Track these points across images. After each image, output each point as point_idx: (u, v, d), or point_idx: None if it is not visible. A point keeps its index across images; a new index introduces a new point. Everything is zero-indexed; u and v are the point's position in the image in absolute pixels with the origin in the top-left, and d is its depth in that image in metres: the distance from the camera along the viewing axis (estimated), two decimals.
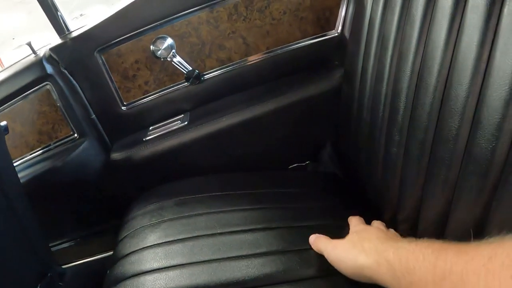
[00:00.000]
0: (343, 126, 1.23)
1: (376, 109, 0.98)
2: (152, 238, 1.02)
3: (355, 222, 0.94)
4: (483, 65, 0.64)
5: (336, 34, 1.34)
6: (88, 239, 1.66)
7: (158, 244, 1.00)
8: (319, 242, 0.87)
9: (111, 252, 1.61)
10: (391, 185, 0.95)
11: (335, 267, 0.79)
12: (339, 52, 1.34)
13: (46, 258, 1.27)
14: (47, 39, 1.40)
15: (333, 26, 1.34)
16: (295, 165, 1.47)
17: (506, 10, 0.60)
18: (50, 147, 1.44)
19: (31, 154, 1.45)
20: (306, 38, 1.35)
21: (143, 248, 1.00)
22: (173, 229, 1.04)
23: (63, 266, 1.57)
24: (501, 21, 0.61)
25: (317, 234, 0.90)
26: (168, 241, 1.00)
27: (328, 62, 1.38)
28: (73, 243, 1.66)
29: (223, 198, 1.14)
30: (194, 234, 1.00)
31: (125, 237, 1.10)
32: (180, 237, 1.00)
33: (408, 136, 0.85)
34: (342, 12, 1.31)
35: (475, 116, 0.66)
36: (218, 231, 1.00)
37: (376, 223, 0.93)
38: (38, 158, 1.44)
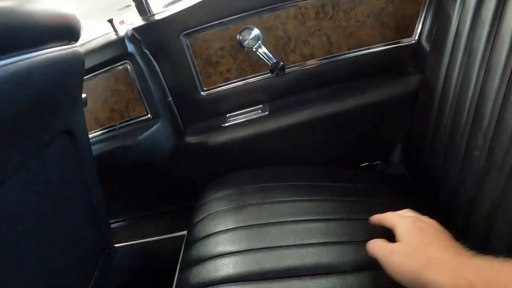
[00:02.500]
0: (418, 129, 1.25)
1: (459, 115, 1.00)
2: (235, 221, 1.04)
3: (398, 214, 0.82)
4: None
5: (413, 41, 1.36)
6: (142, 220, 1.67)
7: (243, 227, 1.02)
8: (374, 247, 0.75)
9: (163, 236, 1.63)
10: (467, 187, 0.96)
11: (393, 277, 0.66)
12: (415, 59, 1.36)
13: (107, 235, 1.29)
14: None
15: (411, 33, 1.36)
16: (366, 164, 1.49)
17: None
18: (121, 125, 1.46)
19: (101, 130, 1.48)
20: (385, 42, 1.38)
21: (226, 230, 1.02)
22: (258, 213, 1.06)
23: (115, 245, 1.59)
24: None
25: (375, 240, 0.77)
26: (254, 225, 1.01)
27: (403, 67, 1.40)
28: (125, 223, 1.68)
29: (305, 188, 1.16)
30: (281, 220, 1.02)
31: (203, 218, 1.11)
32: (267, 222, 1.02)
33: (493, 141, 0.87)
34: (421, 21, 1.33)
35: None
36: (304, 218, 1.02)
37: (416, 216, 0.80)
38: (108, 135, 1.47)
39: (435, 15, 1.23)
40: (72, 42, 1.02)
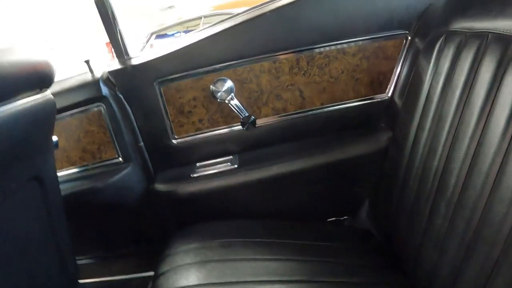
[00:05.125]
0: (386, 188, 1.25)
1: (425, 180, 1.01)
2: (197, 277, 1.04)
3: None
4: None
5: (386, 97, 1.38)
6: (109, 259, 1.66)
7: (204, 284, 1.02)
8: None
9: (130, 275, 1.62)
10: (429, 252, 0.97)
11: None
12: (387, 115, 1.38)
13: (73, 273, 1.28)
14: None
15: (384, 89, 1.38)
16: (333, 218, 1.49)
17: None
18: (93, 166, 1.45)
19: (71, 169, 1.47)
20: (358, 98, 1.39)
21: (188, 286, 1.02)
22: (220, 271, 1.06)
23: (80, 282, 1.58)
24: None
25: None
26: (215, 283, 1.01)
27: (375, 122, 1.42)
28: (93, 261, 1.66)
29: (268, 246, 1.16)
30: (242, 280, 1.02)
31: (166, 271, 1.11)
32: (228, 281, 1.02)
33: (455, 212, 0.88)
34: (394, 78, 1.35)
35: None
36: (265, 279, 1.03)
37: None
38: (79, 175, 1.46)
39: (409, 73, 1.24)
40: (44, 89, 1.01)
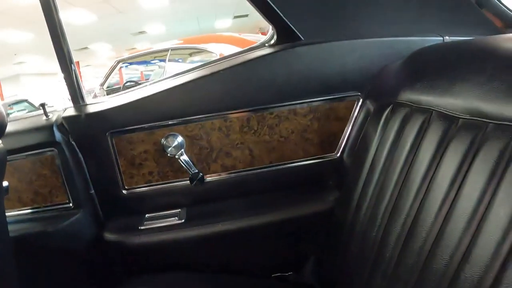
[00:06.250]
0: (331, 247, 1.27)
1: (364, 248, 1.02)
2: None
3: None
4: (469, 237, 0.72)
5: (336, 157, 1.42)
6: None
7: None
8: None
9: None
10: None
11: None
12: (336, 174, 1.42)
13: None
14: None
15: (334, 149, 1.42)
16: (278, 274, 1.50)
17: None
18: (44, 209, 1.45)
19: (23, 210, 1.46)
20: (307, 157, 1.43)
21: None
22: None
23: None
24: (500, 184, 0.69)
25: None
26: None
27: (324, 181, 1.45)
28: None
29: None
30: None
31: None
32: None
33: (390, 286, 0.90)
34: (345, 138, 1.40)
35: (454, 275, 0.73)
36: None
37: None
38: (30, 216, 1.45)
39: (359, 135, 1.27)
40: None
